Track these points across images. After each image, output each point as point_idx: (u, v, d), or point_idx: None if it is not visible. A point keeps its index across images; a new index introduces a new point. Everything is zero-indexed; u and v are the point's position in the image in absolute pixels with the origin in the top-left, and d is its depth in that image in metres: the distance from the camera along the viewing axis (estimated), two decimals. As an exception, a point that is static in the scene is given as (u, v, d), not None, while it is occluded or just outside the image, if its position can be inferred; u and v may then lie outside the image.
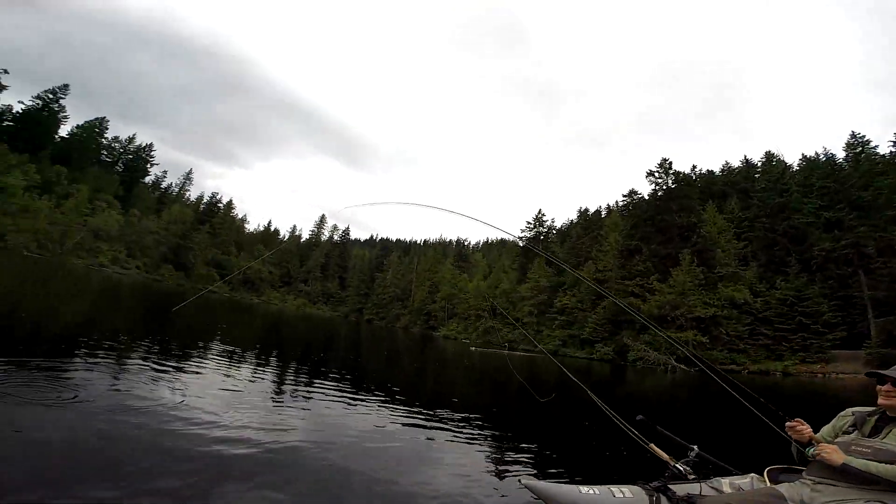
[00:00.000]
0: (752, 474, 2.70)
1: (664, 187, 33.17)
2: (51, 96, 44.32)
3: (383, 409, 5.79)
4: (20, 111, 42.00)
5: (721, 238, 29.28)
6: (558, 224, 50.99)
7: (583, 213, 48.00)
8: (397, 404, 6.30)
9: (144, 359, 6.25)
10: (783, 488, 2.11)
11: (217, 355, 8.13)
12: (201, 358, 7.59)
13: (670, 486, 2.55)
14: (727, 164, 43.15)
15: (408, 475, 3.44)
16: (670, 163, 33.53)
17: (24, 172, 33.41)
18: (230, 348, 9.30)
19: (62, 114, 45.49)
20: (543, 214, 46.60)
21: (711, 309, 25.40)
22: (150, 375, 5.28)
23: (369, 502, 2.80)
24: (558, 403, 9.01)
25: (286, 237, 69.57)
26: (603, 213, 47.15)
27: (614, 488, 2.62)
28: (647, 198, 35.18)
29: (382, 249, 72.75)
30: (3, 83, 38.19)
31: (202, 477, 2.71)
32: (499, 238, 71.18)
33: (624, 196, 38.64)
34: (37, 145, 39.65)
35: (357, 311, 61.66)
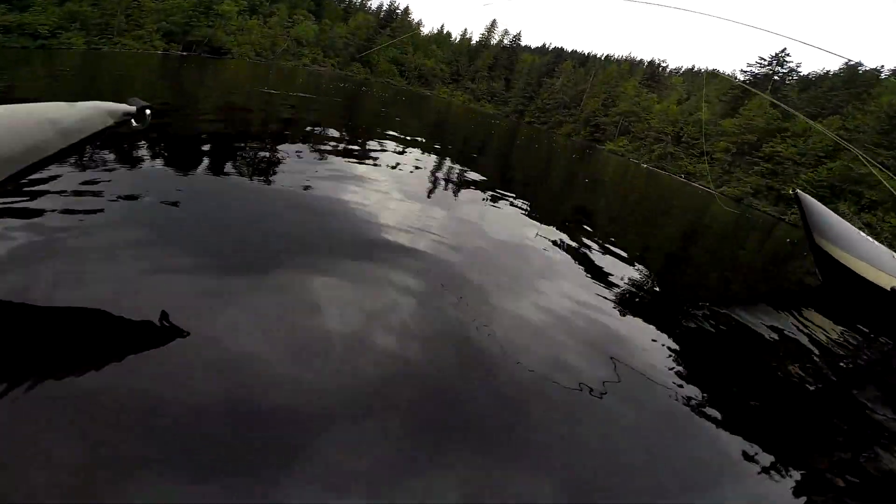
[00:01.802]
0: None
1: None
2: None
3: (525, 216, 5.78)
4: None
5: None
6: (804, 70, 41.84)
7: (851, 67, 38.03)
8: (541, 212, 6.36)
9: (337, 142, 7.27)
10: None
11: (392, 142, 9.08)
12: (379, 143, 8.46)
13: None
14: None
15: (530, 289, 3.46)
16: None
17: (234, 0, 39.75)
18: (404, 135, 10.75)
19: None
20: (787, 54, 38.59)
21: None
22: (339, 159, 6.04)
23: (487, 308, 2.92)
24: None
25: (458, 40, 69.71)
26: (884, 74, 36.46)
27: None
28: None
29: (555, 58, 67.70)
30: None
31: (348, 255, 3.18)
32: (709, 68, 58.90)
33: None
34: (236, -26, 44.46)
35: (518, 113, 62.35)
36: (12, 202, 2.85)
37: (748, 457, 2.33)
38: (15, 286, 2.12)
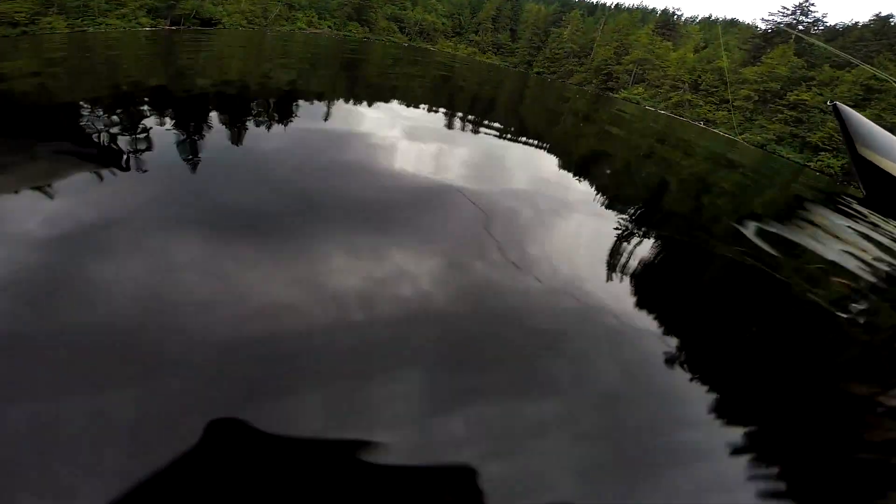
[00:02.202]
0: None
1: None
2: None
3: (545, 153, 5.77)
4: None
5: None
6: (831, 21, 40.58)
7: (882, 19, 36.75)
8: (561, 151, 6.30)
9: (342, 92, 7.54)
10: None
11: (401, 96, 8.99)
12: (385, 94, 8.64)
13: None
14: None
15: (556, 227, 3.45)
16: None
17: (216, -30, 37.51)
18: (410, 91, 10.70)
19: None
20: (812, 3, 38.36)
21: None
22: (346, 107, 6.11)
23: (512, 249, 2.94)
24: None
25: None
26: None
27: None
28: None
29: (562, 7, 64.62)
30: None
31: (366, 203, 3.15)
32: (728, 17, 56.21)
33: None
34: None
35: (527, 63, 60.52)
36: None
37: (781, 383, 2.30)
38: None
